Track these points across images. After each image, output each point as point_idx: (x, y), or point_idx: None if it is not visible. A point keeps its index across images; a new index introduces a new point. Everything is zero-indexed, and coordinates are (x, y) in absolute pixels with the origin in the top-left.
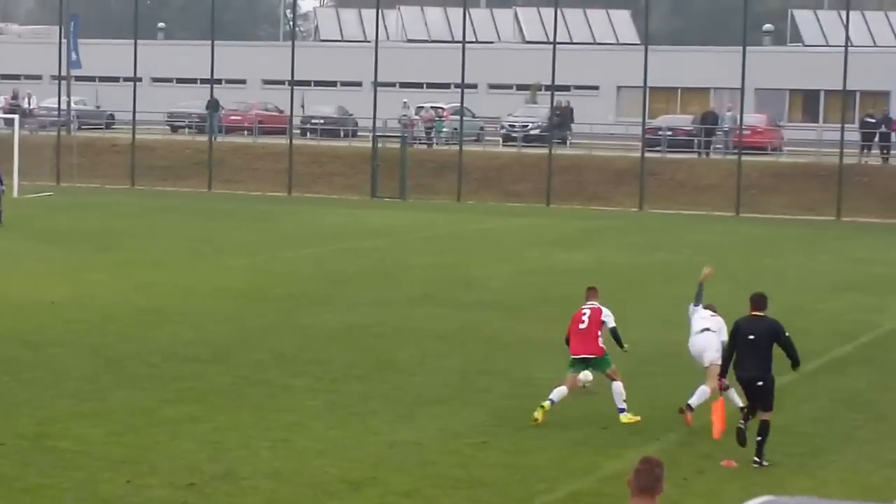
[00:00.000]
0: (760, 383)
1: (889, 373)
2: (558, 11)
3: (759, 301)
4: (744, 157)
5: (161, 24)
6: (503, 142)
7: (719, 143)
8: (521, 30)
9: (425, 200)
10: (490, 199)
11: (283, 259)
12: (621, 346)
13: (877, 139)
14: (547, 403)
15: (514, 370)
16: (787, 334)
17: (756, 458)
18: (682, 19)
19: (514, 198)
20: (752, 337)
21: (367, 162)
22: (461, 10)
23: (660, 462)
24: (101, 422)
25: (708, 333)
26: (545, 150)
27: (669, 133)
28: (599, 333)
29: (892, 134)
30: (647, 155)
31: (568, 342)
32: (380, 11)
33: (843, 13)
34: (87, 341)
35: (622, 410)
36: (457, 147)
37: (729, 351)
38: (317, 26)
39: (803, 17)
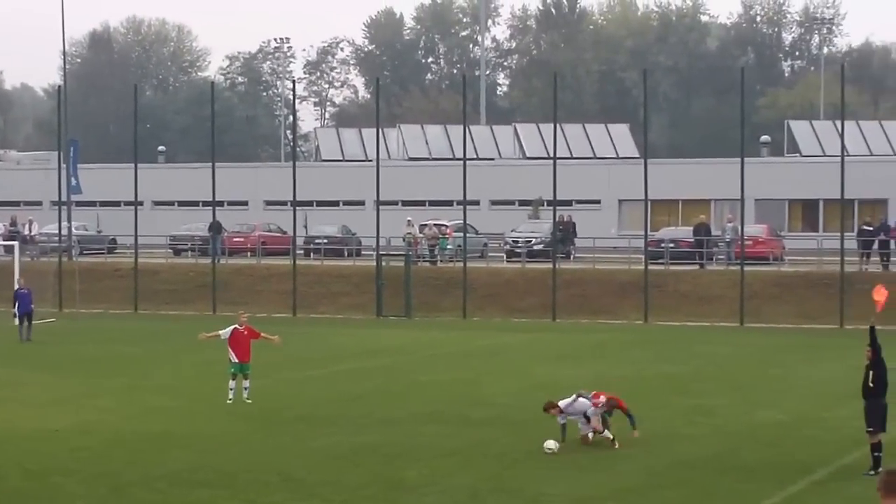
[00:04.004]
0: None
1: None
2: (558, 127)
3: None
4: (746, 268)
5: (161, 148)
6: (507, 257)
7: (721, 253)
8: (521, 146)
9: (431, 318)
10: (496, 315)
11: (290, 380)
12: None
13: (876, 246)
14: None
15: (526, 487)
16: None
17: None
18: (680, 132)
19: (519, 313)
20: None
21: (372, 281)
22: (461, 127)
23: None
24: None
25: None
26: (549, 265)
27: (672, 245)
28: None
29: (892, 241)
30: (651, 267)
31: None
32: (380, 130)
33: (839, 123)
34: (93, 469)
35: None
36: (461, 264)
37: None
38: (318, 146)
39: (799, 128)
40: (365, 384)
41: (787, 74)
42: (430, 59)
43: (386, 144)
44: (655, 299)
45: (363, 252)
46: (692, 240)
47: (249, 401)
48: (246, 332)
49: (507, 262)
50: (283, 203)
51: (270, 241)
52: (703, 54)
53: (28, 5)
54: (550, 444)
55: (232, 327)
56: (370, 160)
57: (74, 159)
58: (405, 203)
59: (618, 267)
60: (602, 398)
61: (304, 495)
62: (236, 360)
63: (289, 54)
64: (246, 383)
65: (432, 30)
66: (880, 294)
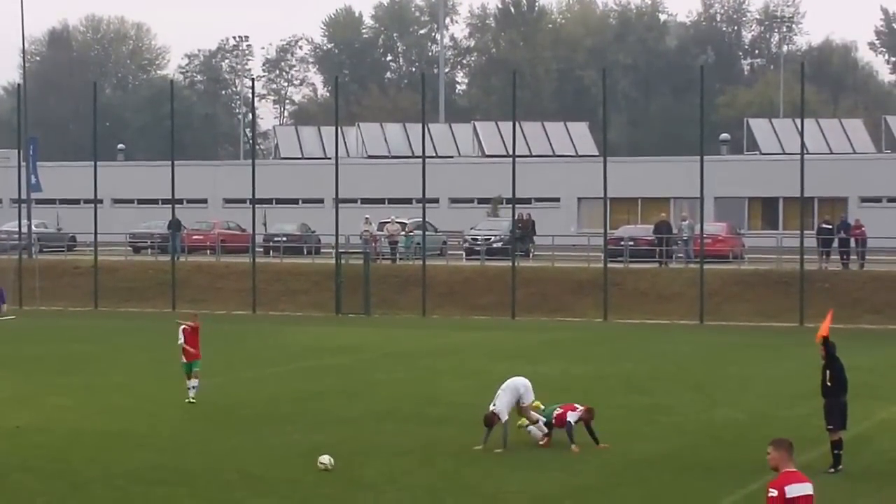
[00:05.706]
0: None
1: (857, 478)
2: (517, 125)
3: None
4: (705, 266)
5: (121, 146)
6: (466, 255)
7: (681, 252)
8: (480, 144)
9: (390, 316)
10: (455, 313)
11: (248, 379)
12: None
13: (835, 245)
14: None
15: (483, 485)
16: None
17: None
18: (639, 130)
19: (478, 311)
20: None
21: (331, 279)
22: (420, 125)
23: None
24: None
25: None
26: (508, 263)
27: (631, 243)
28: None
29: (851, 240)
30: (610, 265)
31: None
32: (339, 129)
33: (798, 121)
34: (52, 466)
35: None
36: (420, 262)
37: None
38: (277, 145)
39: (759, 126)
40: (323, 382)
41: (746, 73)
42: (388, 58)
43: (345, 142)
44: (614, 297)
45: (322, 250)
46: (651, 238)
47: (193, 401)
48: (191, 331)
49: (467, 259)
50: (243, 201)
51: (230, 238)
52: (662, 53)
53: None
54: (325, 460)
55: (181, 328)
56: (329, 158)
57: (34, 157)
58: (364, 201)
59: (577, 265)
60: (578, 409)
61: (263, 493)
62: (183, 360)
63: (247, 52)
64: (194, 382)
65: (391, 28)
66: (825, 327)
